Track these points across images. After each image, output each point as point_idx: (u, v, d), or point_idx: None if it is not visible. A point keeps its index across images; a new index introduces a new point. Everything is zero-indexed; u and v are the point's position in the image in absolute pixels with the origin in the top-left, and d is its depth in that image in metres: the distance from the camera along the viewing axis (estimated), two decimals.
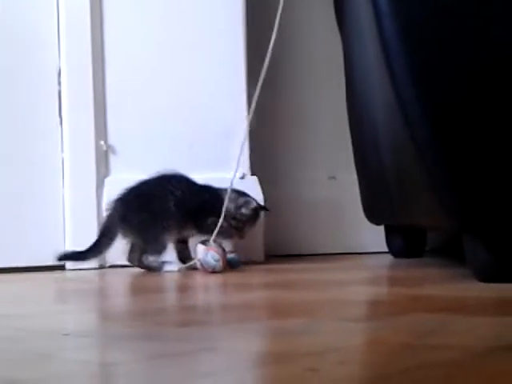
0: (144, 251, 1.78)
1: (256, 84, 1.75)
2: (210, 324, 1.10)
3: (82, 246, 1.84)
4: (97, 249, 1.79)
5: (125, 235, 1.78)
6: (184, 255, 1.83)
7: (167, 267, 1.77)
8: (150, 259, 1.78)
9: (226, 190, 1.82)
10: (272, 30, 1.74)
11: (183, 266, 1.78)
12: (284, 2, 1.73)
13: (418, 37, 1.37)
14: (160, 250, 1.77)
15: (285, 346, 0.88)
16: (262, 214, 1.92)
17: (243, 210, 1.85)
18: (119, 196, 1.80)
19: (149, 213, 1.78)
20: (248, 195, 1.89)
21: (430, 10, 1.37)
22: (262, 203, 1.90)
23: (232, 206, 1.83)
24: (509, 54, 1.36)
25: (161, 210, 1.78)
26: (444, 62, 1.36)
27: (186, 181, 1.84)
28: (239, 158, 1.83)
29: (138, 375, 0.77)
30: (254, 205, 1.86)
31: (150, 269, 1.78)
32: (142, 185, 1.81)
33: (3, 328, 1.06)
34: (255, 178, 2.02)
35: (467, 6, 1.36)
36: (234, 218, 1.84)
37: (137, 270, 1.83)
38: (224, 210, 1.79)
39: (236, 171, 1.84)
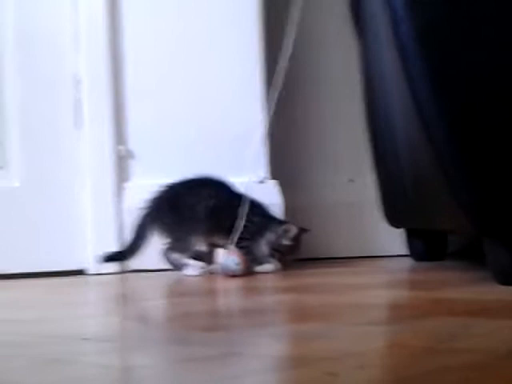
0: (170, 247, 1.79)
1: (272, 87, 1.75)
2: (232, 329, 1.10)
3: (104, 250, 1.85)
4: (135, 247, 1.81)
5: (158, 232, 1.80)
6: (208, 257, 1.83)
7: (187, 270, 1.77)
8: (174, 256, 1.79)
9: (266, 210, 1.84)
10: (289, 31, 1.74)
11: (204, 270, 1.78)
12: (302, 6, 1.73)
13: (435, 41, 1.36)
14: (184, 249, 1.78)
15: (305, 350, 0.88)
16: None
17: (283, 241, 1.82)
18: (155, 195, 1.81)
19: (179, 215, 1.79)
20: (286, 222, 1.87)
21: (446, 14, 1.36)
22: (300, 226, 1.86)
23: (273, 236, 1.82)
24: None
25: (190, 214, 1.79)
26: (461, 66, 1.35)
27: (224, 191, 1.82)
28: (256, 162, 1.83)
29: (160, 379, 0.77)
30: (294, 232, 1.83)
31: (172, 265, 1.79)
32: (178, 185, 1.82)
33: (22, 334, 1.07)
34: (275, 182, 2.02)
35: (483, 8, 1.36)
36: (276, 250, 1.82)
37: (159, 274, 1.83)
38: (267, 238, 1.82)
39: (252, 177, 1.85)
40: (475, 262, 1.70)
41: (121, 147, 1.95)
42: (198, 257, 1.81)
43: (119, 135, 1.95)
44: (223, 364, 0.82)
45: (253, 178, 1.87)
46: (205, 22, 2.02)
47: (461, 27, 1.35)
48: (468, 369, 0.75)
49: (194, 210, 1.78)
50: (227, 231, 1.79)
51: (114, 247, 1.87)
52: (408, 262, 2.02)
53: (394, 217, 1.99)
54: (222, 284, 1.66)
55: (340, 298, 1.37)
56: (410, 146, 1.58)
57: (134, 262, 1.88)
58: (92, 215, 1.92)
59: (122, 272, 1.90)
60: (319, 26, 2.22)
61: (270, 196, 1.95)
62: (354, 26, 1.96)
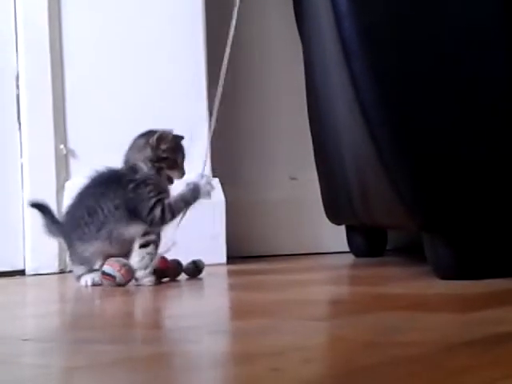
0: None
1: (216, 86, 1.75)
2: (173, 327, 1.09)
3: (42, 251, 1.83)
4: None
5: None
6: None
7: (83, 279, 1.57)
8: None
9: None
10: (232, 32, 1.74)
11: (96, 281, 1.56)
12: (243, 5, 1.73)
13: (378, 38, 1.38)
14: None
15: (248, 346, 0.88)
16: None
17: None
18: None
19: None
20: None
21: (390, 11, 1.38)
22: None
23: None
24: (466, 55, 1.38)
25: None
26: (403, 63, 1.37)
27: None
28: (199, 160, 1.82)
29: (100, 379, 0.76)
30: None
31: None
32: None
33: None
34: (217, 179, 2.02)
35: (427, 5, 1.38)
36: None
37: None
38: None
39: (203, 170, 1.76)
40: (415, 258, 1.72)
41: (62, 146, 1.93)
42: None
43: (60, 134, 1.93)
44: (165, 362, 0.82)
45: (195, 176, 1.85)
46: (148, 19, 2.00)
47: (404, 23, 1.37)
48: (410, 362, 0.76)
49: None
50: None
51: (52, 247, 1.85)
52: (349, 259, 2.03)
53: (335, 213, 2.01)
54: (164, 283, 1.65)
55: (282, 294, 1.37)
56: (353, 143, 1.60)
57: None
58: (32, 215, 1.89)
59: (61, 272, 1.88)
60: (261, 24, 2.22)
61: (212, 193, 1.94)
62: (298, 26, 1.98)
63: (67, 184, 1.93)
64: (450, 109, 1.37)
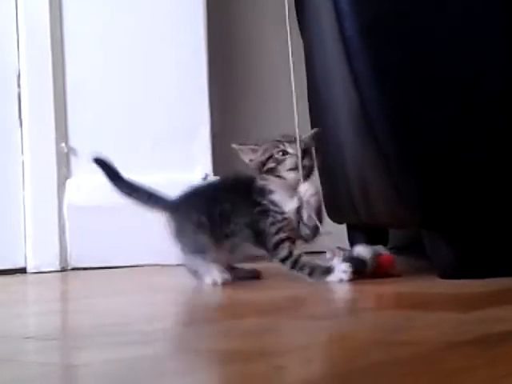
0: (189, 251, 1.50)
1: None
2: (175, 324, 1.09)
3: (43, 249, 1.83)
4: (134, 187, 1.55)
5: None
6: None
7: (207, 278, 1.48)
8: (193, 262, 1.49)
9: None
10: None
11: (226, 278, 1.48)
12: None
13: (379, 37, 1.38)
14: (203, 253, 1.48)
15: (251, 344, 0.89)
16: None
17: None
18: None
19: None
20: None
21: (391, 10, 1.38)
22: None
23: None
24: (467, 55, 1.38)
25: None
26: (404, 62, 1.37)
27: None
28: (200, 158, 1.82)
29: (103, 377, 0.76)
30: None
31: (191, 272, 1.50)
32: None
33: None
34: (218, 178, 2.02)
35: (427, 6, 1.38)
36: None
37: (100, 271, 1.81)
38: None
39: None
40: (416, 256, 1.72)
41: (63, 144, 1.93)
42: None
43: (61, 132, 1.93)
44: (169, 360, 0.82)
45: (197, 175, 1.86)
46: (150, 17, 2.01)
47: (406, 23, 1.37)
48: (411, 360, 0.76)
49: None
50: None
51: (54, 245, 1.85)
52: None
53: (336, 212, 2.01)
54: (173, 281, 1.65)
55: (285, 292, 1.37)
56: (353, 141, 1.60)
57: (76, 260, 1.87)
58: (33, 212, 1.90)
59: (62, 270, 1.88)
60: (262, 22, 2.22)
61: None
62: (299, 25, 1.98)
63: (68, 182, 1.93)
64: (451, 107, 1.37)
